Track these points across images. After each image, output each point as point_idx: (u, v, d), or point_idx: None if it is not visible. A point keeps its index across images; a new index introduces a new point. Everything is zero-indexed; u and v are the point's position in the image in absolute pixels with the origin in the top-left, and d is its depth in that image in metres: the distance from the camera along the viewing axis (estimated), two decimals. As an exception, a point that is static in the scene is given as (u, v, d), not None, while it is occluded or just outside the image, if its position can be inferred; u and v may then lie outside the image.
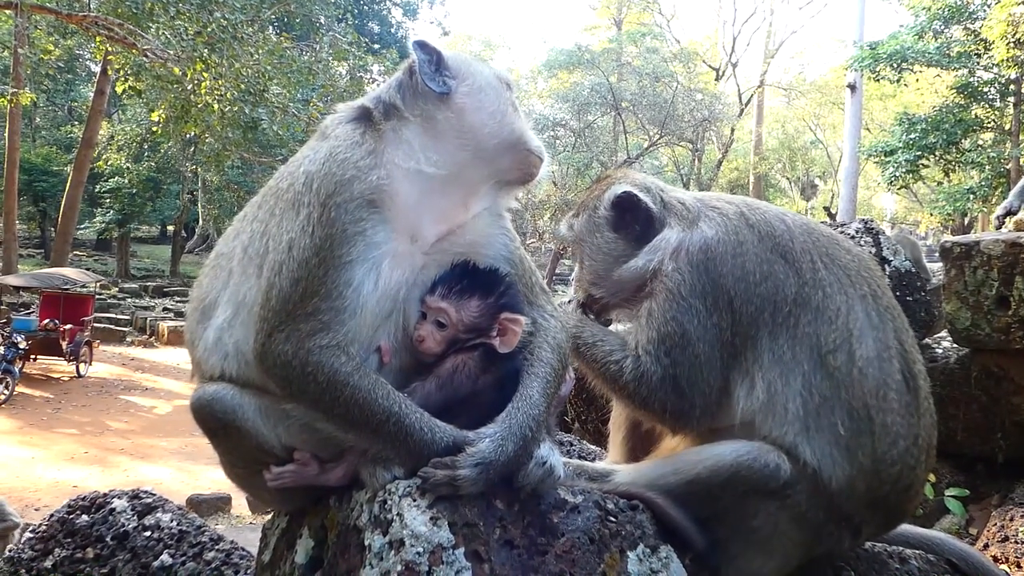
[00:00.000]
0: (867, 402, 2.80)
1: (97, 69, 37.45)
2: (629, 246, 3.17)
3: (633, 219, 3.18)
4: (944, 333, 6.85)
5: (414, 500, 2.34)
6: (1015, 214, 6.25)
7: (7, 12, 23.27)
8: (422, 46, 2.71)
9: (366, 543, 2.36)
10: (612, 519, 2.60)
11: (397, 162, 2.61)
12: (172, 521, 4.01)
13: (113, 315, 35.75)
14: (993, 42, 23.50)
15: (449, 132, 2.68)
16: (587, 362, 3.09)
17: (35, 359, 26.28)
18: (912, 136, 27.60)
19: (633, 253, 3.13)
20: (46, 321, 25.92)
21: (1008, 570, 4.77)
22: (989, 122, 28.47)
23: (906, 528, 3.52)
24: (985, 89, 27.98)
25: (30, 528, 4.27)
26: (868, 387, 2.82)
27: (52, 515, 4.11)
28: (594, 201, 3.33)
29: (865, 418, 2.79)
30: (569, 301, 3.42)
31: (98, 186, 44.21)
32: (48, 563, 3.89)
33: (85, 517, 4.03)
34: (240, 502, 14.28)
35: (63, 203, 35.66)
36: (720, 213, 3.09)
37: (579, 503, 2.58)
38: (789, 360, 2.82)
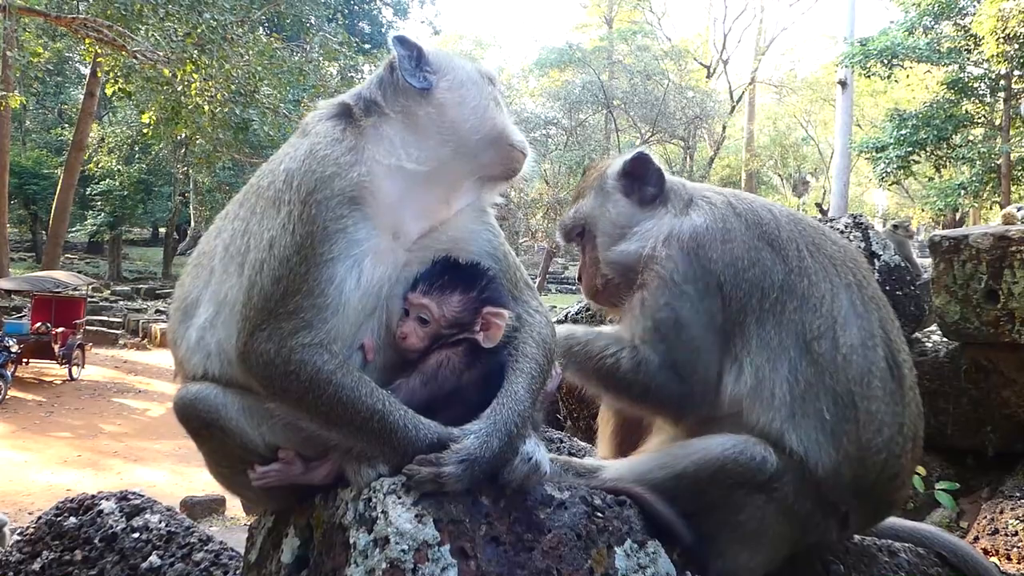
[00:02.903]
0: (851, 389, 2.83)
1: (87, 71, 37.32)
2: (636, 212, 3.21)
3: (644, 182, 3.24)
4: (934, 327, 6.88)
5: (399, 497, 2.32)
6: None
7: (-4, 15, 23.16)
8: (402, 41, 2.69)
9: (351, 541, 2.35)
10: (599, 515, 2.59)
11: (378, 159, 2.59)
12: (160, 522, 3.99)
13: (105, 318, 35.62)
14: (983, 38, 23.65)
15: (430, 128, 2.66)
16: (580, 362, 3.07)
17: (27, 363, 26.19)
18: (903, 132, 27.75)
19: (637, 223, 3.17)
20: (38, 324, 25.85)
21: (998, 562, 4.77)
22: (979, 118, 28.63)
23: (896, 521, 3.53)
24: (975, 85, 28.16)
25: (18, 531, 4.25)
26: (852, 374, 2.84)
27: (40, 518, 4.09)
28: (598, 179, 3.36)
29: (849, 404, 2.82)
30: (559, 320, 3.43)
31: (89, 189, 44.13)
32: (36, 566, 3.87)
33: (73, 519, 4.01)
34: (234, 504, 14.23)
35: (54, 206, 35.49)
36: (708, 202, 3.13)
37: (566, 499, 2.57)
38: (776, 346, 2.85)
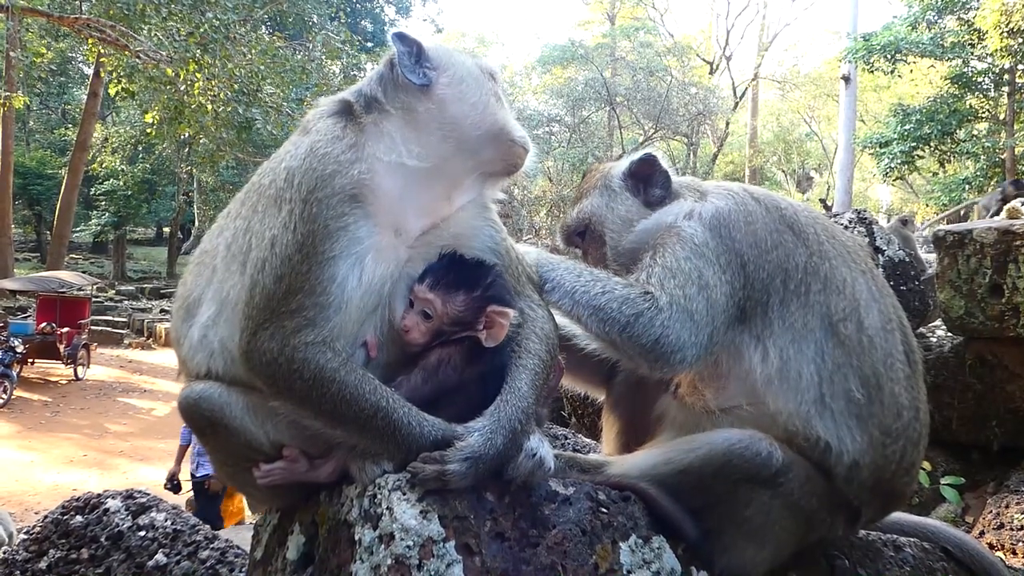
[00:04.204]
0: (877, 370, 2.83)
1: (90, 71, 37.40)
2: (645, 211, 3.19)
3: (652, 183, 3.22)
4: (938, 322, 6.88)
5: (404, 494, 2.33)
6: None
7: (-1, 15, 23.21)
8: (401, 38, 2.69)
9: (356, 538, 2.35)
10: (604, 510, 2.60)
11: (379, 155, 2.59)
12: (166, 520, 4.00)
13: (110, 317, 35.73)
14: (987, 32, 23.55)
15: (431, 124, 2.66)
16: (570, 288, 2.88)
17: (33, 363, 26.30)
18: (907, 127, 27.67)
19: (647, 217, 3.15)
20: (43, 325, 25.91)
21: (1004, 557, 4.77)
22: (983, 112, 28.54)
23: (901, 516, 3.53)
24: (979, 79, 28.06)
25: (24, 530, 4.27)
26: (877, 356, 2.85)
27: (46, 516, 4.11)
28: (602, 179, 3.34)
29: (875, 386, 2.82)
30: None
31: (93, 189, 44.28)
32: (43, 564, 3.89)
33: (79, 518, 4.03)
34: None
35: (58, 206, 35.62)
36: (726, 190, 3.14)
37: (570, 495, 2.58)
38: (801, 328, 2.83)
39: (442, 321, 2.54)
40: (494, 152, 2.77)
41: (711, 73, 51.34)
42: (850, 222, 7.05)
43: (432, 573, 2.23)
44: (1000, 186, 21.08)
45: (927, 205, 38.77)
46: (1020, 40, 23.23)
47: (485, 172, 2.81)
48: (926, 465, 5.15)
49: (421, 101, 2.67)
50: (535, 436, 2.49)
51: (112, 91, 25.20)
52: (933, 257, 6.92)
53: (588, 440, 4.46)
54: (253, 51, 22.59)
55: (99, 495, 4.18)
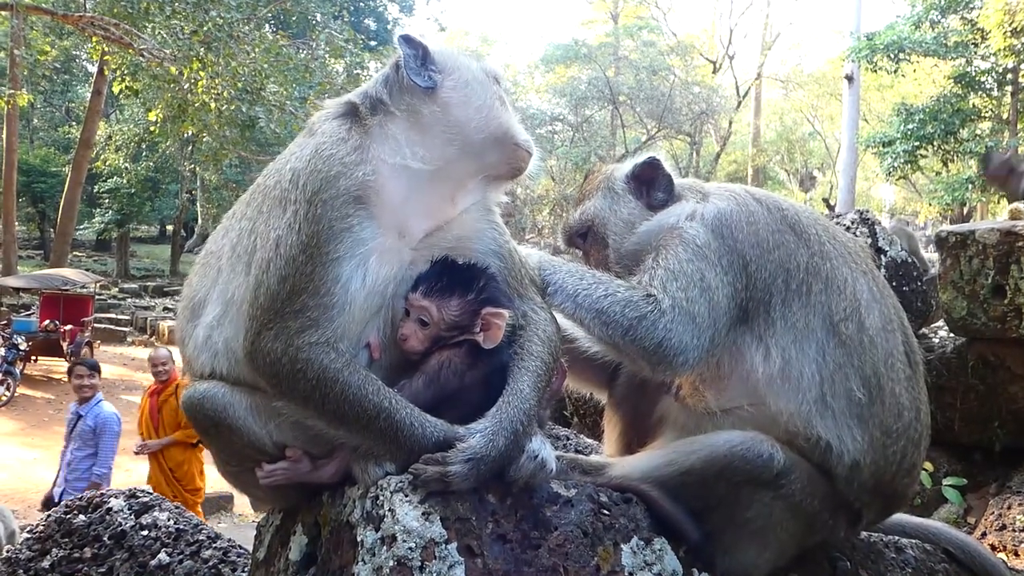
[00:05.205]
0: (878, 370, 2.84)
1: (94, 69, 37.40)
2: (648, 212, 3.19)
3: (655, 186, 3.23)
4: (940, 323, 6.87)
5: (406, 495, 2.34)
6: None
7: (3, 14, 23.29)
8: (408, 40, 2.70)
9: (359, 539, 2.36)
10: (606, 512, 2.60)
11: (383, 157, 2.60)
12: (169, 520, 4.01)
13: (113, 315, 35.76)
14: (990, 31, 23.51)
15: (435, 127, 2.67)
16: (572, 291, 2.90)
17: (36, 360, 26.32)
18: (910, 126, 27.56)
19: (648, 218, 3.16)
20: (46, 322, 25.96)
21: (1006, 558, 4.77)
22: (987, 111, 28.43)
23: (903, 517, 3.53)
24: (982, 78, 27.95)
25: (28, 528, 4.28)
26: (878, 356, 2.86)
27: (49, 515, 4.12)
28: (606, 181, 3.35)
29: (876, 386, 2.82)
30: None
31: (97, 186, 44.25)
32: (46, 563, 3.90)
33: (82, 517, 4.03)
34: (242, 501, 14.26)
35: (62, 204, 35.61)
36: (728, 191, 3.15)
37: (572, 496, 2.58)
38: (803, 328, 2.84)
39: (439, 327, 2.55)
40: (498, 155, 2.77)
41: (714, 72, 51.30)
42: (852, 223, 7.05)
43: (434, 575, 2.24)
44: None
45: (930, 205, 38.67)
46: (1023, 40, 23.19)
47: (489, 175, 2.82)
48: (928, 466, 5.15)
49: (426, 104, 2.68)
50: (537, 438, 2.50)
51: (116, 89, 25.27)
52: (936, 257, 6.93)
53: (590, 441, 4.46)
54: (256, 49, 22.59)
55: (102, 494, 4.19)
